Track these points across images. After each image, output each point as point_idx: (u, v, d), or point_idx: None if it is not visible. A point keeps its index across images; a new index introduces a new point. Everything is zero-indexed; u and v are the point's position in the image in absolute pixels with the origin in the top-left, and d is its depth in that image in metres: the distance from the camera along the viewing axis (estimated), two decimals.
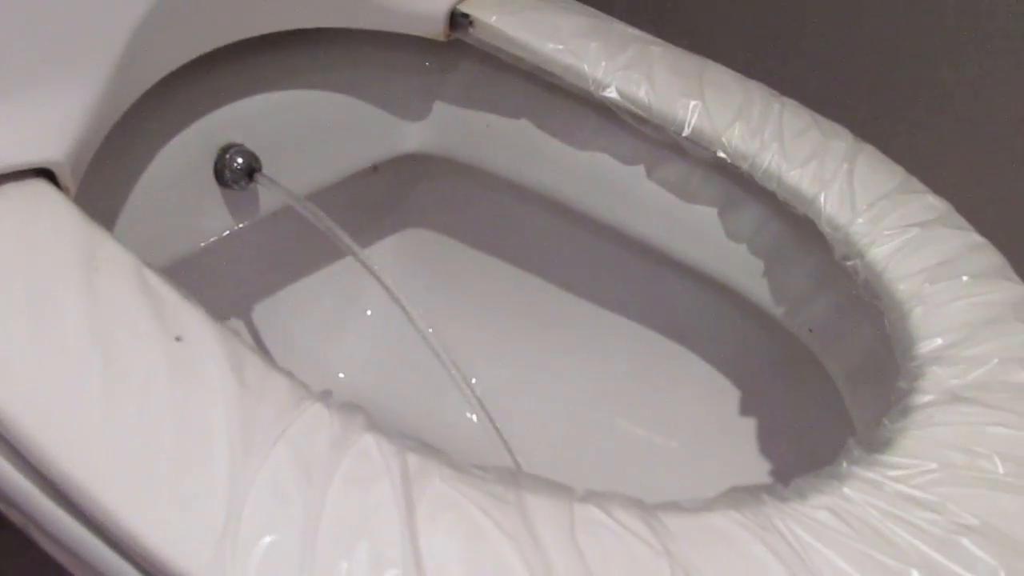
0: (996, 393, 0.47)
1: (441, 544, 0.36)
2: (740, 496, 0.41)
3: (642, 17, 0.75)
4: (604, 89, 0.65)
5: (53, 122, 0.49)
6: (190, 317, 0.43)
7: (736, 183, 0.66)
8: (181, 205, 0.65)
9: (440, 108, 0.77)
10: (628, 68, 0.65)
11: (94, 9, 0.51)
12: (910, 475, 0.43)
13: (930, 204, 0.60)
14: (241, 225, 0.70)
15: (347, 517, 0.36)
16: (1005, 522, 0.41)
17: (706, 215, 0.68)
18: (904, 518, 0.41)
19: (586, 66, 0.65)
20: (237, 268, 0.76)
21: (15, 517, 0.43)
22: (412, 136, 0.78)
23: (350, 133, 0.75)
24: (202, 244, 0.68)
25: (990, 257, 0.57)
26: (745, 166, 0.62)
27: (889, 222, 0.58)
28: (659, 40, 0.69)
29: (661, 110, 0.64)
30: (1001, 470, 0.44)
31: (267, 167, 0.68)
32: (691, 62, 0.67)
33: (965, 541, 0.40)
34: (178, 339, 0.41)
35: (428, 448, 0.40)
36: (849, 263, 0.58)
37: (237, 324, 0.78)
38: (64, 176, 0.49)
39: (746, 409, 0.75)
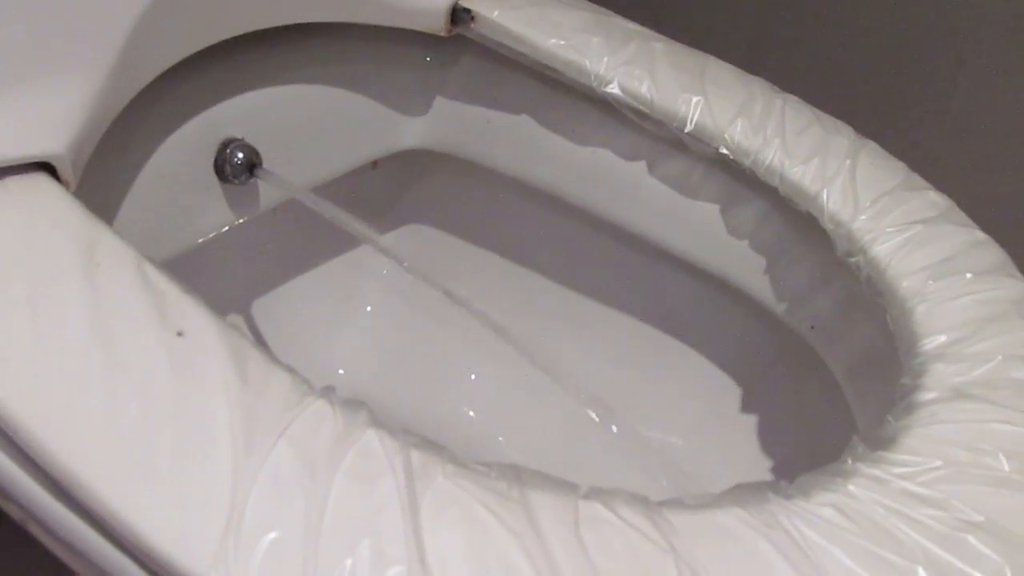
0: (1000, 390, 0.47)
1: (445, 541, 0.36)
2: (745, 493, 0.41)
3: (643, 13, 0.75)
4: (606, 85, 0.65)
5: (54, 116, 0.49)
6: (191, 312, 0.42)
7: (738, 179, 0.66)
8: (181, 200, 0.65)
9: (441, 103, 0.77)
10: (630, 64, 0.65)
11: (95, 3, 0.51)
12: (915, 472, 0.43)
13: (932, 201, 0.60)
14: (241, 220, 0.69)
15: (350, 514, 0.36)
16: (1010, 519, 0.41)
17: (708, 211, 0.68)
18: (909, 515, 0.41)
19: (588, 62, 0.65)
20: (237, 263, 0.76)
21: (14, 512, 0.43)
22: (412, 132, 0.78)
23: (350, 128, 0.74)
24: (202, 239, 0.67)
25: (993, 254, 0.57)
26: (747, 162, 0.62)
27: (892, 219, 0.58)
28: (661, 36, 0.69)
29: (663, 106, 0.64)
30: (1006, 467, 0.43)
31: (267, 162, 0.68)
32: (693, 58, 0.67)
33: (970, 538, 0.40)
34: (179, 334, 0.41)
35: (431, 444, 0.40)
36: (852, 260, 0.58)
37: (236, 319, 0.78)
38: (65, 170, 0.49)
39: (748, 406, 0.75)
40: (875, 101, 0.95)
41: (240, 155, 0.66)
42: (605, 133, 0.70)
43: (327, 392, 0.41)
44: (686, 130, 0.63)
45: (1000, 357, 0.49)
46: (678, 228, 0.70)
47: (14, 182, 0.47)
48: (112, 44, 0.52)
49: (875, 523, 0.40)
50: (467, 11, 0.68)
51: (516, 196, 0.78)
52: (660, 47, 0.67)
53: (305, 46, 0.69)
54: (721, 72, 0.67)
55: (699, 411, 0.77)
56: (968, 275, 0.54)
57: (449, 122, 0.77)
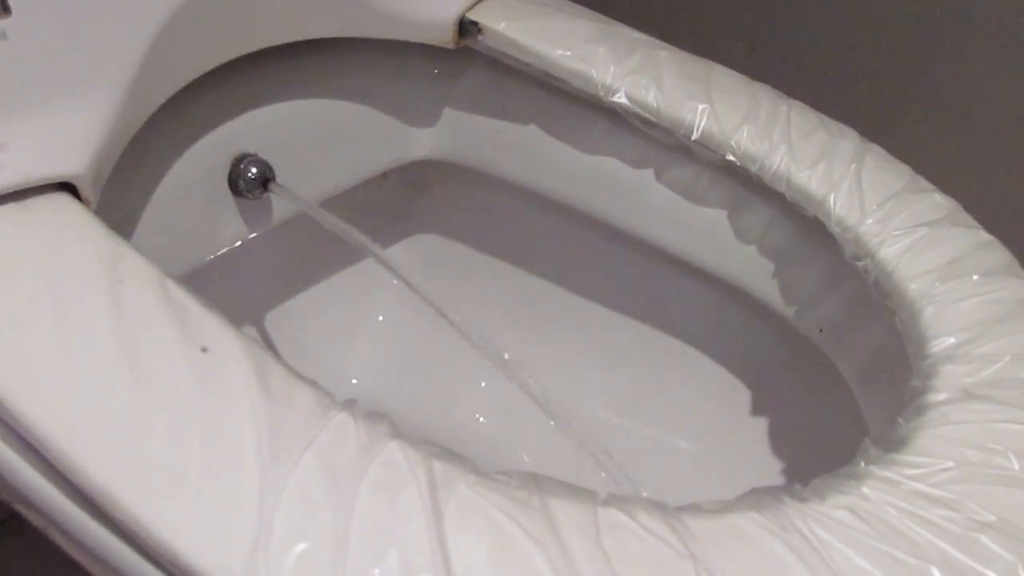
0: (1009, 390, 0.48)
1: (469, 549, 0.37)
2: (760, 497, 0.42)
3: (648, 21, 0.75)
4: (613, 94, 0.65)
5: (74, 138, 0.50)
6: (214, 327, 0.43)
7: (745, 185, 0.66)
8: (196, 215, 0.66)
9: (449, 115, 0.78)
10: (636, 73, 0.66)
11: (110, 27, 0.52)
12: (927, 474, 0.44)
13: (938, 203, 0.60)
14: (255, 234, 0.70)
15: (376, 524, 0.37)
16: (1022, 518, 0.42)
17: (715, 217, 0.69)
18: (922, 516, 0.41)
19: (594, 71, 0.66)
20: (250, 276, 0.76)
21: (35, 519, 0.44)
22: (422, 143, 0.79)
23: (361, 141, 0.75)
24: (217, 253, 0.68)
25: (999, 255, 0.57)
26: (754, 168, 0.63)
27: (898, 222, 0.59)
28: (666, 44, 0.70)
29: (670, 114, 0.64)
30: (1016, 467, 0.44)
31: (280, 176, 0.68)
32: (698, 66, 0.68)
33: (983, 538, 0.41)
34: (204, 350, 0.42)
35: (452, 455, 0.41)
36: (859, 263, 0.58)
37: (250, 331, 0.79)
38: (85, 189, 0.50)
39: (758, 410, 0.75)
40: (879, 105, 0.95)
41: (253, 170, 0.67)
42: (612, 141, 0.71)
43: (349, 405, 0.41)
44: (693, 137, 0.64)
45: (1008, 357, 0.50)
46: (686, 234, 0.70)
47: (38, 202, 0.48)
48: (128, 66, 0.53)
49: (889, 524, 0.41)
50: (474, 23, 0.69)
51: (525, 204, 0.79)
52: (665, 55, 0.68)
53: (315, 61, 0.70)
54: (726, 79, 0.67)
55: (711, 416, 0.78)
56: (975, 276, 0.55)
57: (458, 133, 0.78)
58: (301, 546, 0.36)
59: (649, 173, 0.70)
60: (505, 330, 0.85)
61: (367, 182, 0.78)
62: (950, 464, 0.44)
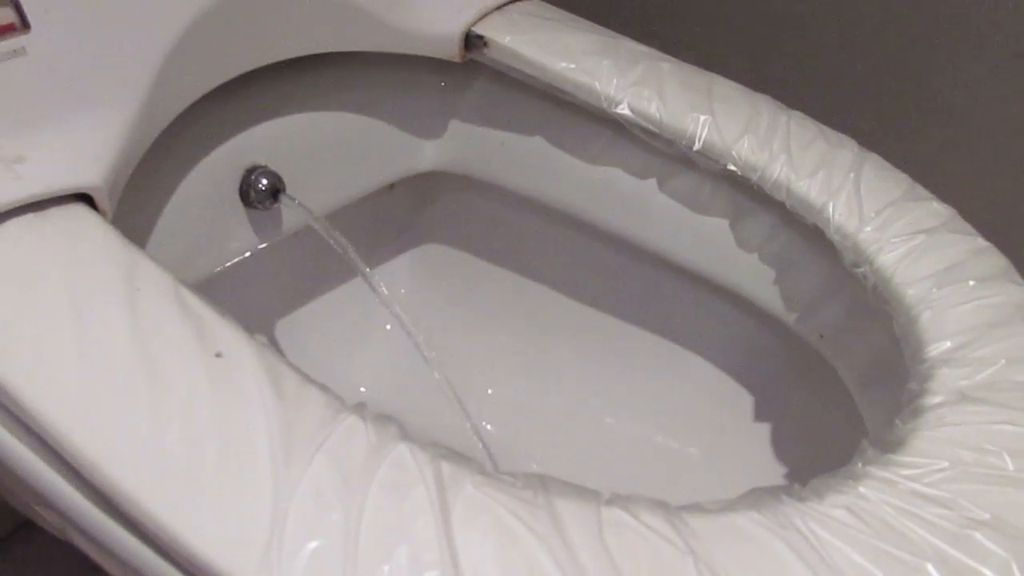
0: (1004, 392, 0.49)
1: (476, 546, 0.38)
2: (761, 497, 0.43)
3: (651, 34, 0.76)
4: (616, 105, 0.66)
5: (91, 149, 0.51)
6: (228, 334, 0.44)
7: (746, 194, 0.67)
8: (208, 225, 0.67)
9: (455, 126, 0.79)
10: (639, 84, 0.67)
11: (127, 42, 0.54)
12: (923, 474, 0.44)
13: (935, 210, 0.61)
14: (265, 244, 0.71)
15: (386, 522, 0.38)
16: (1016, 516, 0.43)
17: (717, 226, 0.69)
18: (918, 515, 0.42)
19: (598, 83, 0.67)
20: (261, 285, 0.77)
21: (54, 520, 0.45)
22: (429, 154, 0.80)
23: (369, 152, 0.76)
24: (228, 263, 0.69)
25: (995, 261, 0.58)
26: (754, 177, 0.64)
27: (896, 229, 0.59)
28: (668, 56, 0.71)
29: (672, 125, 0.65)
30: (1011, 466, 0.45)
31: (290, 187, 0.70)
32: (700, 77, 0.69)
33: (977, 535, 0.42)
34: (218, 355, 0.43)
35: (459, 456, 0.42)
36: (858, 270, 0.59)
37: (261, 340, 0.79)
38: (102, 200, 0.51)
39: (760, 414, 0.76)
40: (878, 115, 0.96)
41: (264, 181, 0.68)
42: (616, 152, 0.72)
43: (359, 408, 0.42)
44: (694, 148, 0.65)
45: (1003, 361, 0.50)
46: (688, 243, 0.71)
47: (56, 212, 0.49)
48: (144, 80, 0.54)
49: (886, 523, 0.42)
50: (480, 37, 0.70)
51: (530, 215, 0.79)
52: (667, 67, 0.69)
53: (325, 75, 0.71)
54: (727, 90, 0.68)
55: (714, 420, 0.79)
56: (971, 282, 0.56)
57: (464, 144, 0.79)
58: (313, 544, 0.37)
59: (652, 183, 0.71)
60: (510, 338, 0.86)
61: (375, 193, 0.79)
62: (946, 464, 0.45)
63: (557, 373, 0.85)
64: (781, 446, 0.73)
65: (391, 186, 0.80)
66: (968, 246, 0.59)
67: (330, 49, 0.68)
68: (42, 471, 0.42)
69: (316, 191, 0.72)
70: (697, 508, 0.42)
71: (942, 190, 0.63)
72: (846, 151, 0.64)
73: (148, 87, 0.55)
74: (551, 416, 0.84)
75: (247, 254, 0.71)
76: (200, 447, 0.39)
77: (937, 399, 0.49)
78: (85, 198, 0.50)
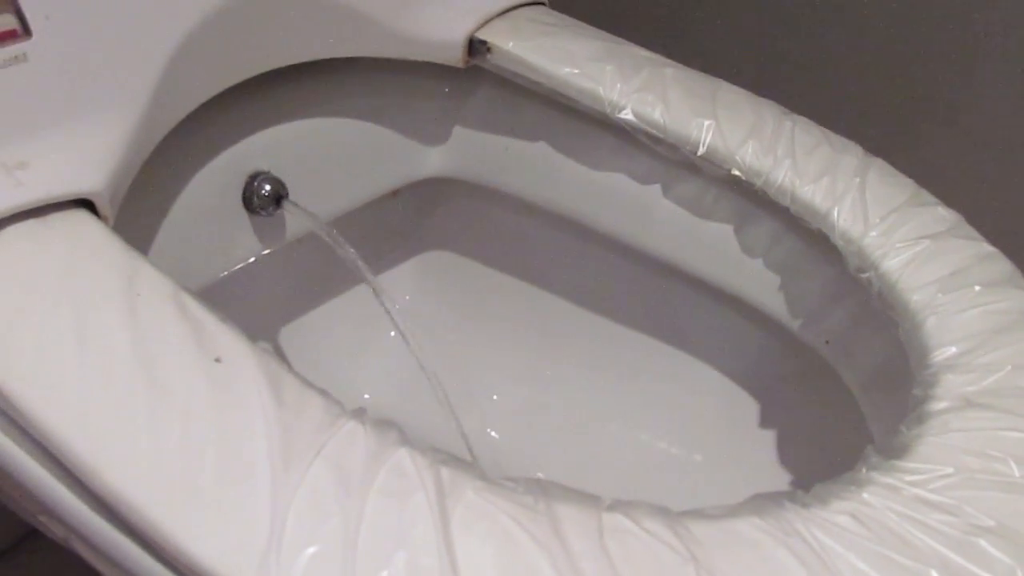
0: (1009, 398, 0.48)
1: (476, 552, 0.37)
2: (763, 503, 0.42)
3: (655, 40, 0.76)
4: (620, 111, 0.66)
5: (92, 155, 0.51)
6: (228, 339, 0.44)
7: (750, 199, 0.67)
8: (211, 231, 0.67)
9: (459, 133, 0.79)
10: (643, 90, 0.67)
11: (128, 48, 0.54)
12: (927, 480, 0.44)
13: (941, 216, 0.61)
14: (268, 250, 0.71)
15: (385, 528, 0.37)
16: (1021, 523, 0.42)
17: (721, 231, 0.69)
18: (922, 521, 0.42)
19: (602, 89, 0.67)
20: (264, 291, 0.77)
21: (57, 529, 0.45)
22: (432, 160, 0.80)
23: (372, 159, 0.76)
24: (231, 269, 0.69)
25: (1000, 266, 0.58)
26: (759, 183, 0.64)
27: (901, 234, 0.59)
28: (672, 62, 0.71)
29: (676, 130, 0.65)
30: (1016, 473, 0.44)
31: (293, 193, 0.70)
32: (704, 83, 0.69)
33: (982, 542, 0.41)
34: (217, 360, 0.43)
35: (460, 462, 0.42)
36: (863, 275, 0.59)
37: (263, 346, 0.79)
38: (103, 206, 0.51)
39: (765, 421, 0.76)
40: (883, 120, 0.96)
41: (267, 187, 0.68)
42: (620, 158, 0.71)
43: (359, 413, 0.42)
44: (699, 153, 0.65)
45: (1009, 367, 0.50)
46: (693, 248, 0.71)
47: (57, 218, 0.49)
48: (146, 86, 0.54)
49: (890, 529, 0.41)
50: (483, 43, 0.70)
51: (533, 220, 0.79)
52: (671, 73, 0.69)
53: (328, 80, 0.71)
54: (731, 96, 0.68)
55: (719, 426, 0.78)
56: (977, 288, 0.55)
57: (468, 150, 0.79)
58: (311, 549, 0.37)
59: (656, 188, 0.71)
60: (514, 345, 0.86)
61: (378, 199, 0.79)
62: (950, 470, 0.44)
63: (561, 379, 0.85)
64: (785, 452, 0.73)
65: (394, 192, 0.80)
66: (973, 251, 0.58)
67: (333, 55, 0.68)
68: (43, 478, 0.42)
69: (319, 197, 0.72)
70: (699, 514, 0.42)
71: (947, 195, 0.63)
72: (851, 156, 0.64)
73: (150, 93, 0.55)
74: (555, 422, 0.84)
75: (250, 260, 0.71)
76: (199, 452, 0.39)
77: (942, 405, 0.48)
78: (87, 204, 0.50)
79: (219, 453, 0.39)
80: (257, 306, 0.78)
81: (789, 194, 0.63)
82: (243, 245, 0.70)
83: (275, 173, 0.69)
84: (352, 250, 0.67)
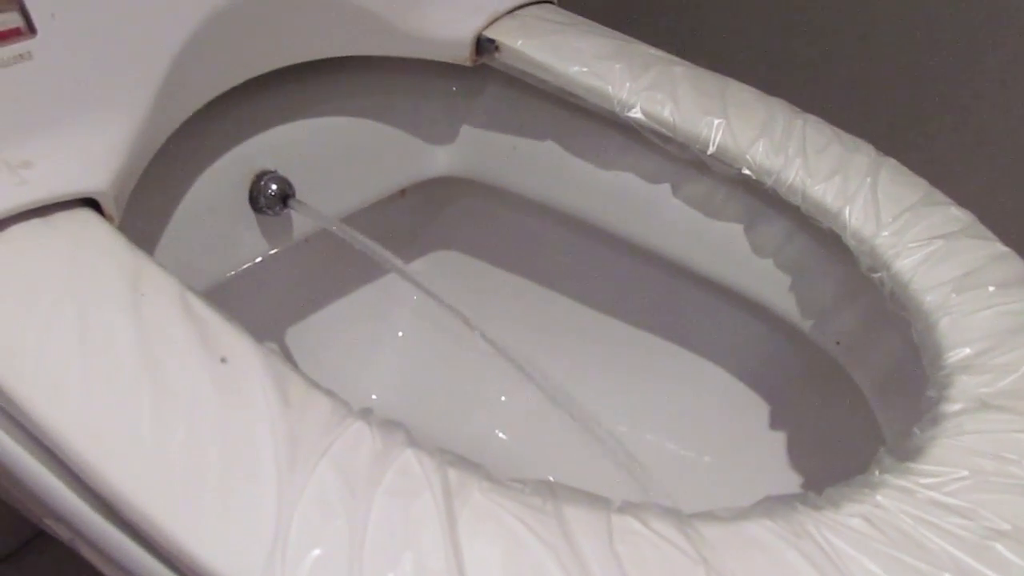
0: None
1: (483, 554, 0.37)
2: (774, 505, 0.42)
3: (664, 38, 0.76)
4: (629, 109, 0.66)
5: (97, 154, 0.51)
6: (233, 339, 0.44)
7: (761, 199, 0.67)
8: (218, 231, 0.67)
9: (467, 132, 0.78)
10: (652, 88, 0.66)
11: (134, 46, 0.53)
12: (942, 482, 0.44)
13: (954, 216, 0.61)
14: (275, 250, 0.71)
15: (391, 529, 0.37)
16: None
17: (732, 231, 0.69)
18: (937, 524, 0.41)
19: (610, 87, 0.66)
20: (271, 292, 0.77)
21: (62, 532, 0.45)
22: (440, 160, 0.79)
23: (380, 158, 0.76)
24: (237, 269, 0.69)
25: (1015, 266, 0.57)
26: (769, 182, 0.63)
27: (914, 234, 0.59)
28: (681, 60, 0.70)
29: (685, 129, 0.65)
30: None
31: (300, 193, 0.69)
32: (713, 81, 0.68)
33: (998, 546, 0.41)
34: (223, 360, 0.43)
35: (467, 462, 0.41)
36: (875, 275, 0.58)
37: (271, 347, 0.79)
38: (108, 205, 0.50)
39: (774, 422, 0.75)
40: (895, 118, 0.96)
41: (274, 187, 0.68)
42: (629, 157, 0.71)
43: (365, 414, 0.42)
44: (708, 152, 0.64)
45: None
46: (703, 248, 0.70)
47: (62, 217, 0.48)
48: (151, 84, 0.54)
49: (903, 532, 0.41)
50: (491, 41, 0.70)
51: (542, 220, 0.79)
52: (681, 71, 0.68)
53: (334, 79, 0.71)
54: (741, 94, 0.68)
55: (729, 427, 0.78)
56: (991, 288, 0.55)
57: (475, 149, 0.78)
58: (317, 551, 0.36)
59: (665, 188, 0.70)
60: (523, 344, 0.85)
61: (386, 199, 0.78)
62: (965, 473, 0.44)
63: (570, 380, 0.84)
64: (796, 454, 0.73)
65: (402, 192, 0.80)
66: (987, 251, 0.58)
67: (340, 53, 0.67)
68: (47, 480, 0.42)
69: (326, 197, 0.72)
70: (709, 516, 0.41)
71: (960, 195, 0.63)
72: (863, 155, 0.64)
73: (156, 91, 0.54)
74: (563, 424, 0.83)
75: (257, 260, 0.70)
76: (204, 453, 0.39)
77: (956, 407, 0.48)
78: (92, 203, 0.50)
79: (224, 454, 0.39)
80: (263, 307, 0.78)
81: (800, 193, 0.62)
82: (250, 244, 0.70)
83: (281, 172, 0.69)
84: (369, 241, 0.66)
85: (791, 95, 0.69)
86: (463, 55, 0.71)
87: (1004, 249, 0.59)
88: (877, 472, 0.45)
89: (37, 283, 0.45)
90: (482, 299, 0.87)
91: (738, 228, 0.69)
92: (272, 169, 0.69)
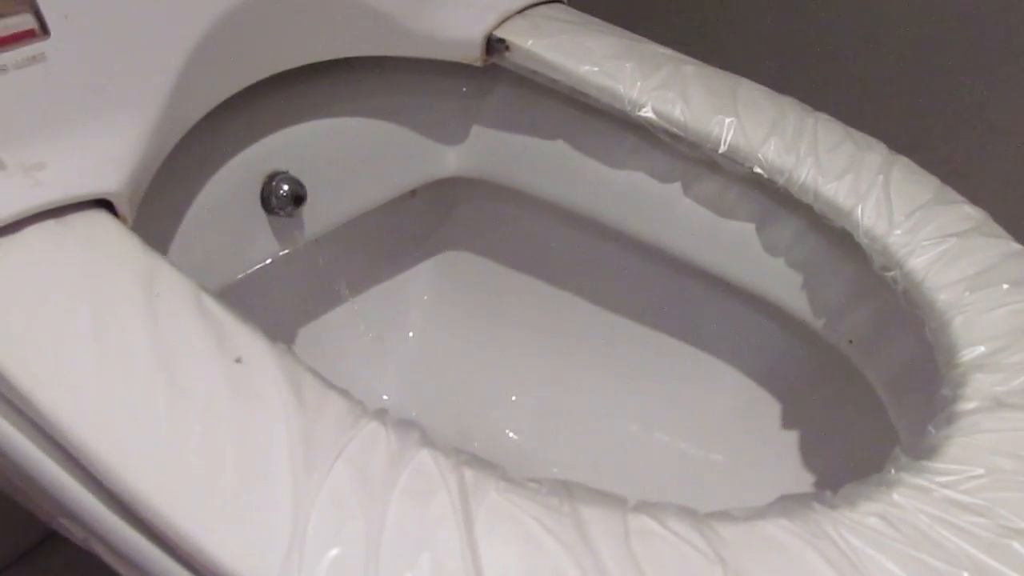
0: None
1: (500, 554, 0.37)
2: (791, 504, 0.42)
3: (674, 37, 0.76)
4: (640, 109, 0.66)
5: (111, 155, 0.51)
6: (248, 339, 0.44)
7: (772, 198, 0.67)
8: (230, 232, 0.67)
9: (477, 132, 0.78)
10: (662, 88, 0.66)
11: (147, 47, 0.53)
12: (958, 481, 0.43)
13: (967, 213, 0.60)
14: (286, 251, 0.71)
15: (408, 529, 0.37)
16: None
17: (743, 230, 0.69)
18: (954, 523, 0.41)
19: (621, 87, 0.66)
20: (282, 292, 0.77)
21: (76, 531, 0.45)
22: (450, 160, 0.79)
23: (390, 158, 0.76)
24: (249, 270, 0.69)
25: None
26: (781, 180, 0.63)
27: (927, 232, 0.59)
28: (692, 59, 0.70)
29: (697, 128, 0.65)
30: None
31: (311, 194, 0.69)
32: (724, 80, 0.68)
33: (1015, 544, 0.41)
34: (238, 360, 0.43)
35: (483, 462, 0.41)
36: (888, 274, 0.58)
37: (281, 346, 0.79)
38: (122, 206, 0.51)
39: (787, 421, 0.75)
40: (906, 116, 0.95)
41: (285, 187, 0.68)
42: (640, 156, 0.71)
43: (380, 414, 0.42)
44: (720, 151, 0.64)
45: None
46: (715, 247, 0.70)
47: (76, 218, 0.48)
48: (164, 85, 0.54)
49: (920, 531, 0.41)
50: (501, 41, 0.70)
51: (553, 220, 0.79)
52: (691, 70, 0.68)
53: (345, 80, 0.71)
54: (752, 93, 0.68)
55: (742, 426, 0.78)
56: (1005, 286, 0.55)
57: (486, 149, 0.78)
58: (334, 552, 0.36)
59: (677, 187, 0.70)
60: (534, 344, 0.86)
61: (396, 199, 0.78)
62: (981, 471, 0.44)
63: (581, 380, 0.84)
64: (810, 453, 0.72)
65: (413, 192, 0.80)
66: (1001, 249, 0.58)
67: (351, 54, 0.67)
68: (61, 480, 0.42)
69: (337, 197, 0.72)
70: (726, 516, 0.41)
71: (973, 193, 0.63)
72: (874, 154, 0.64)
73: (168, 92, 0.54)
74: (575, 423, 0.83)
75: (268, 261, 0.70)
76: (220, 454, 0.39)
77: (971, 405, 0.48)
78: (105, 204, 0.50)
79: (240, 454, 0.39)
80: (275, 307, 0.78)
81: (812, 192, 0.62)
82: (262, 245, 0.70)
83: (293, 173, 0.69)
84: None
85: (802, 94, 0.69)
86: (473, 55, 0.71)
87: (1017, 247, 0.59)
88: (893, 471, 0.45)
89: (52, 284, 0.45)
90: (492, 299, 0.87)
91: (750, 227, 0.68)
92: (284, 170, 0.69)
